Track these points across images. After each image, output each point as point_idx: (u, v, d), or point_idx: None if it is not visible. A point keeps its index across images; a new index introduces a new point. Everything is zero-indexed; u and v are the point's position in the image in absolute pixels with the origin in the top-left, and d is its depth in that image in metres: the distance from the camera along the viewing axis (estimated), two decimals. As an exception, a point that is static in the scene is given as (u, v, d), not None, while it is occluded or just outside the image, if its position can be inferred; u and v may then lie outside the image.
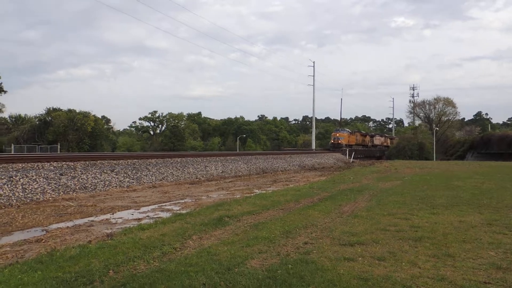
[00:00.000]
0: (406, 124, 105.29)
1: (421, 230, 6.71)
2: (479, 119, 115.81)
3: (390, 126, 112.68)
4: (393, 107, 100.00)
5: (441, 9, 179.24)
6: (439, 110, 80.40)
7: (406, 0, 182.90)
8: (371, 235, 6.33)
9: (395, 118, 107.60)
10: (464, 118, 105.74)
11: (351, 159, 44.24)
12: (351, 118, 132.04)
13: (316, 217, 8.03)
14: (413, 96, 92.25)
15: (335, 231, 6.71)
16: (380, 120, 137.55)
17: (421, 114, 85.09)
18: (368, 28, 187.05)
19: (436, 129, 63.75)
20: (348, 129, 57.18)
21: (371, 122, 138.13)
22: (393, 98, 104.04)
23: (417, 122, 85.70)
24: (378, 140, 68.83)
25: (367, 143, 62.34)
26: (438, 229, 6.82)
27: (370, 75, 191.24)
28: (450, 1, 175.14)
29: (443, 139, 74.53)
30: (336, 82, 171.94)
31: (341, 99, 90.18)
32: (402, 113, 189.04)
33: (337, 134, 53.29)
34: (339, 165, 36.71)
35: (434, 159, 53.39)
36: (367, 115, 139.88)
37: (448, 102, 79.22)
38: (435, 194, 11.97)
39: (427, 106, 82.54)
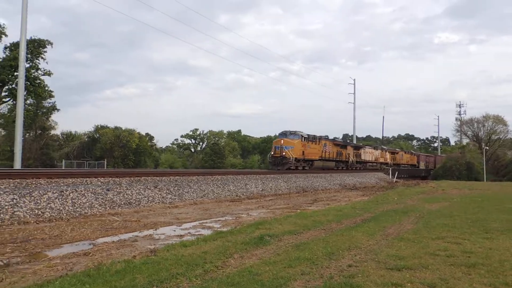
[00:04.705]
0: (452, 143, 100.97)
1: (475, 256, 6.32)
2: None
3: (435, 144, 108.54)
4: (438, 125, 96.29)
5: (487, 24, 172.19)
6: (489, 128, 76.73)
7: (449, 15, 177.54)
8: (420, 260, 6.04)
9: (441, 137, 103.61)
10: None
11: (395, 179, 42.84)
12: (393, 137, 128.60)
13: (359, 239, 7.78)
14: (459, 114, 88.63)
15: (380, 254, 6.46)
16: (425, 138, 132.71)
17: (468, 133, 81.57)
18: (410, 45, 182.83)
19: (485, 148, 60.70)
20: (303, 134, 32.00)
21: (414, 141, 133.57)
22: (438, 116, 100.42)
23: (465, 140, 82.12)
24: (369, 154, 46.95)
25: (345, 157, 40.33)
26: (493, 255, 6.40)
27: (413, 92, 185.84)
28: (496, 15, 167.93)
29: (494, 158, 70.79)
30: (378, 100, 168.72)
31: (383, 116, 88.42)
32: (448, 132, 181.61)
33: (281, 142, 30.27)
34: (382, 184, 35.64)
35: (485, 180, 50.65)
36: (410, 134, 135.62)
37: (498, 120, 75.51)
38: (488, 217, 11.29)
39: (475, 124, 79.08)
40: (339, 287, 4.65)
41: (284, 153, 29.88)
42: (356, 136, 64.72)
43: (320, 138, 34.97)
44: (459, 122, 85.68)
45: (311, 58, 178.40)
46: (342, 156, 39.70)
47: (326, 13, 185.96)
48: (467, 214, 12.07)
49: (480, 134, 78.25)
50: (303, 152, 31.64)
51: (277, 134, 32.38)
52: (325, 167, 36.10)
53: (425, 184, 35.06)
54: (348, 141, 56.91)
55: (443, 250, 6.74)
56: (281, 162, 30.03)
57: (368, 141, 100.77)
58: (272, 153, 31.37)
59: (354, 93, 62.26)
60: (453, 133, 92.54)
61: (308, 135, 32.31)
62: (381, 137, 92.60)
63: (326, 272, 5.39)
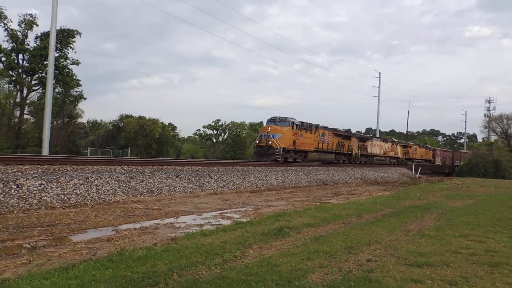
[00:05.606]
0: (479, 140, 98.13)
1: (498, 255, 6.18)
2: None
3: (462, 141, 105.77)
4: (465, 121, 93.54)
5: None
6: (519, 125, 74.19)
7: (482, 8, 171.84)
8: (441, 257, 5.95)
9: (468, 133, 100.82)
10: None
11: (417, 174, 42.08)
12: (418, 132, 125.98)
13: (379, 234, 7.72)
14: (488, 110, 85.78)
15: (400, 249, 6.39)
16: (451, 134, 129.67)
17: (497, 129, 79.03)
18: (440, 38, 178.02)
19: (514, 146, 58.74)
20: (295, 121, 27.45)
21: (440, 136, 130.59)
22: (465, 112, 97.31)
23: (493, 137, 79.63)
24: (377, 147, 42.28)
25: (348, 149, 35.74)
26: (518, 255, 6.23)
27: (440, 87, 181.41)
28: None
29: (523, 156, 68.39)
30: (403, 94, 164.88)
31: (408, 111, 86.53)
32: (476, 128, 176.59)
33: (268, 129, 26.07)
34: (404, 180, 35.09)
35: (512, 178, 49.07)
36: (435, 129, 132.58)
37: (530, 117, 72.87)
38: (514, 216, 10.98)
39: (504, 120, 76.54)
40: (357, 281, 4.64)
41: (270, 142, 25.53)
42: (380, 130, 63.68)
43: (317, 126, 30.55)
44: (487, 118, 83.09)
45: (336, 50, 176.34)
46: (344, 148, 35.17)
47: (353, 5, 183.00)
48: (492, 212, 11.77)
49: (509, 131, 75.79)
50: (294, 141, 27.13)
51: (267, 122, 27.76)
52: (322, 160, 31.87)
53: (449, 181, 34.32)
54: (371, 133, 55.50)
55: (465, 248, 6.62)
56: (267, 153, 25.92)
57: (392, 135, 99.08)
58: (257, 142, 26.96)
59: (379, 87, 61.18)
60: (480, 129, 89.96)
61: (301, 122, 28.10)
62: (405, 132, 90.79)
63: (344, 265, 5.38)
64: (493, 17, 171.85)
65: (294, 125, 27.06)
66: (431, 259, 5.80)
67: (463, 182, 31.17)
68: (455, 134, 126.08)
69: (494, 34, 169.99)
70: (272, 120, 27.15)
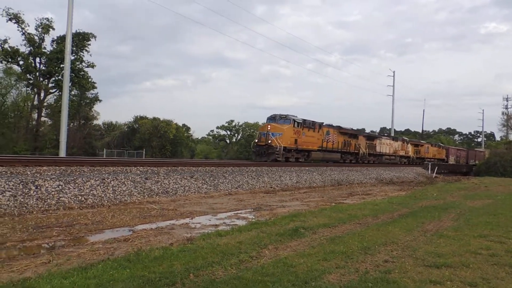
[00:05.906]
0: (498, 138, 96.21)
1: (520, 256, 6.04)
2: None
3: (479, 139, 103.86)
4: (482, 119, 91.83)
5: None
6: (539, 123, 72.51)
7: (498, 4, 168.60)
8: (460, 258, 5.85)
9: (485, 132, 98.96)
10: None
11: (434, 174, 41.47)
12: (434, 131, 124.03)
13: (396, 234, 7.63)
14: (506, 108, 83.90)
15: (418, 250, 6.31)
16: (468, 133, 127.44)
17: (516, 127, 77.34)
18: (454, 35, 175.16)
19: (534, 144, 57.42)
20: (296, 118, 26.06)
21: (456, 135, 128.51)
22: (483, 110, 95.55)
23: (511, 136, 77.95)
24: (386, 146, 40.45)
25: (354, 148, 33.95)
26: (540, 256, 6.09)
27: (455, 85, 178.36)
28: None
29: (543, 155, 66.72)
30: (418, 93, 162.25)
31: (423, 110, 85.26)
32: (494, 126, 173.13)
33: (268, 127, 24.72)
34: (420, 180, 34.61)
35: (532, 178, 47.96)
36: (452, 128, 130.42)
37: (550, 114, 71.13)
38: (535, 216, 10.73)
39: (523, 118, 74.92)
40: (374, 282, 4.59)
41: (270, 141, 24.10)
42: (394, 129, 62.95)
43: (321, 124, 28.94)
44: (505, 117, 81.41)
45: (349, 49, 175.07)
46: (351, 146, 33.32)
47: (365, 3, 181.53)
48: (512, 212, 11.54)
49: (528, 129, 74.10)
50: (295, 140, 25.72)
51: (267, 120, 26.33)
52: (327, 159, 30.28)
53: (466, 180, 33.76)
54: (386, 133, 54.86)
55: (485, 249, 6.50)
56: (266, 152, 24.55)
57: (407, 134, 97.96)
58: (257, 141, 25.64)
59: (393, 86, 60.53)
60: (498, 127, 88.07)
61: (303, 120, 26.66)
62: (420, 131, 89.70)
63: (361, 266, 5.34)
64: (509, 13, 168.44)
65: (296, 123, 25.80)
66: (450, 260, 5.71)
67: (481, 182, 30.62)
68: (472, 133, 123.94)
69: (511, 30, 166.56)
70: (272, 118, 25.84)
